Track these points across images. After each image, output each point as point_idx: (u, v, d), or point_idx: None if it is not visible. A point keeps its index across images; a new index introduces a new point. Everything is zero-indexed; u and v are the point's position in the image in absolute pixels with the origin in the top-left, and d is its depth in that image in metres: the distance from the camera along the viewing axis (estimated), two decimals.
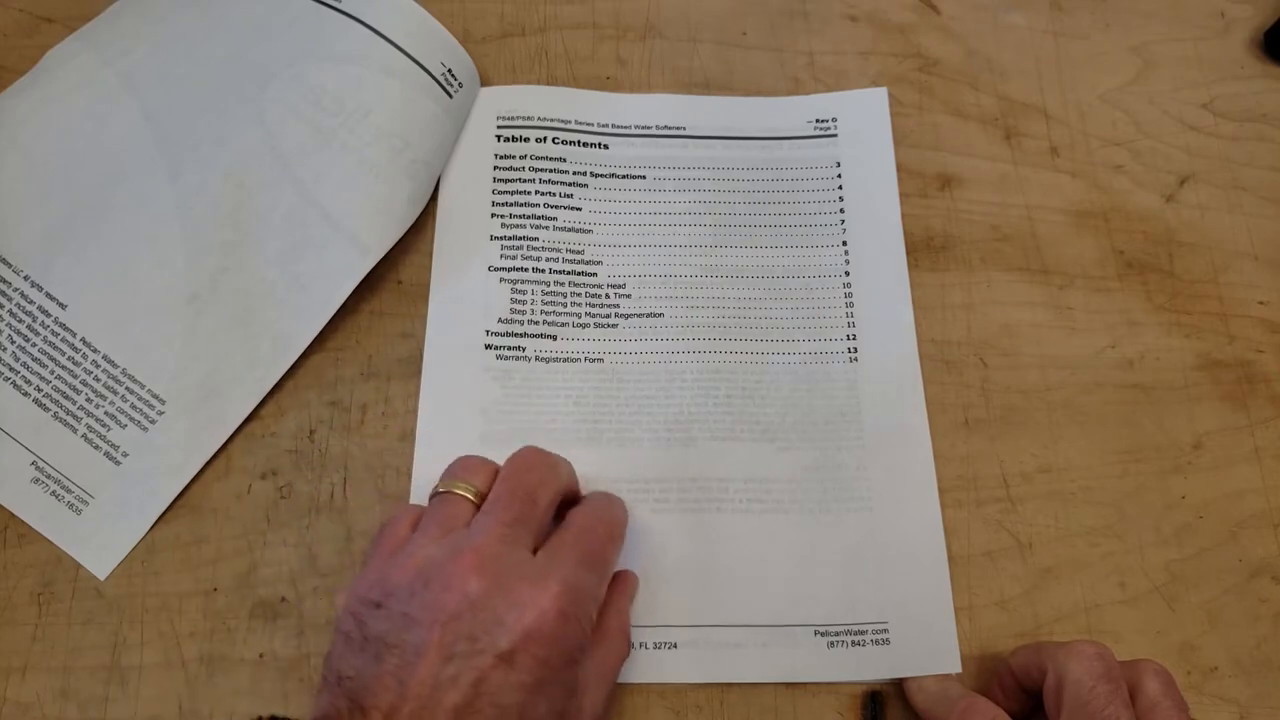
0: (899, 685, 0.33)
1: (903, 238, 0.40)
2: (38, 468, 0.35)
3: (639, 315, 0.38)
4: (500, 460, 0.32)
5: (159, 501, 0.35)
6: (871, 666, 0.33)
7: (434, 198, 0.39)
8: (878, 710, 0.33)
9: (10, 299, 0.35)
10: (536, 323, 0.38)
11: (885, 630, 0.34)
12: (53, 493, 0.34)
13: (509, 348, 0.37)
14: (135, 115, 0.37)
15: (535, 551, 0.29)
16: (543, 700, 0.27)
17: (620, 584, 0.33)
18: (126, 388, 0.35)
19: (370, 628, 0.27)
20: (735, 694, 0.33)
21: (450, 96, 0.39)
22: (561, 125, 0.41)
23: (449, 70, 0.39)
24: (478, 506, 0.31)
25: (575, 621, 0.28)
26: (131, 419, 0.35)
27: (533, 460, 0.32)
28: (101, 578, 0.34)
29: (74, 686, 0.33)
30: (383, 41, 0.38)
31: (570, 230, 0.39)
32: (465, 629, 0.26)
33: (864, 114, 0.42)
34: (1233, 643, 0.35)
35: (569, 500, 0.33)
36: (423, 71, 0.38)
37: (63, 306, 0.36)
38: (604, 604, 0.31)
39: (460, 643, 0.26)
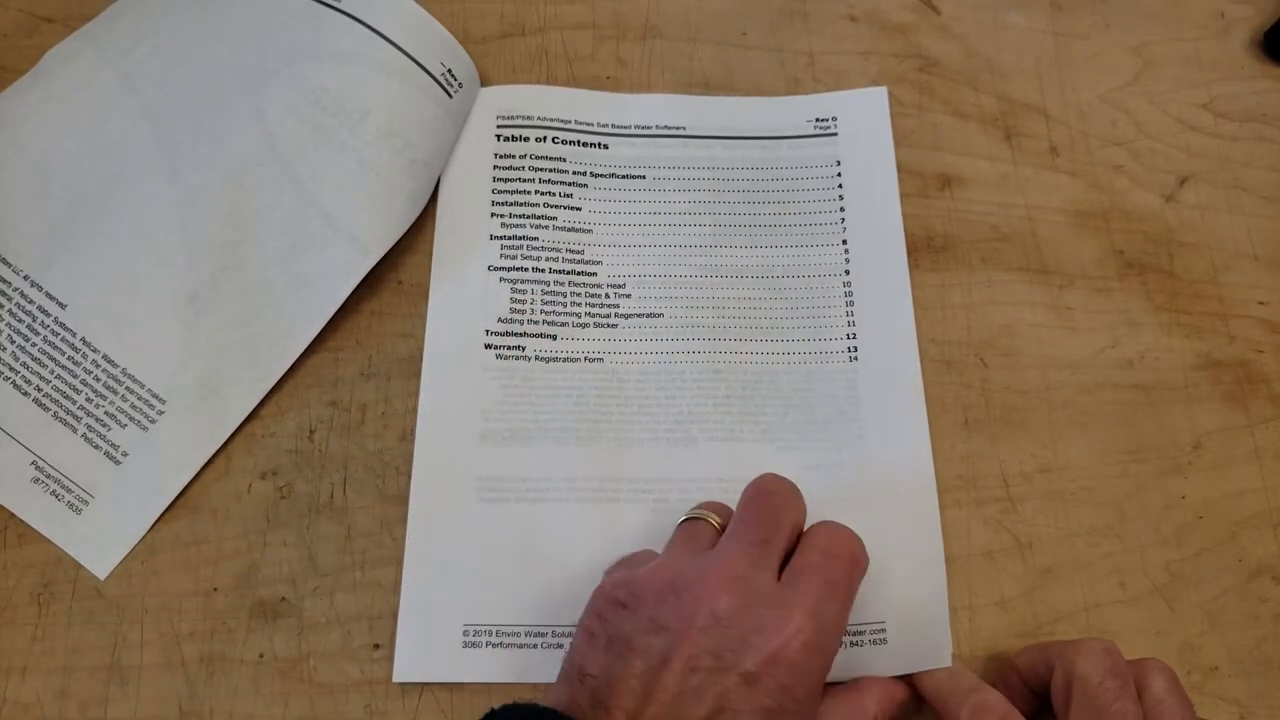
0: None
1: (903, 237, 0.40)
2: (38, 467, 0.35)
3: (639, 315, 0.38)
4: None
5: (159, 501, 0.35)
6: (869, 666, 0.33)
7: (434, 198, 0.39)
8: None
9: (10, 299, 0.35)
10: (536, 322, 0.38)
11: (883, 630, 0.34)
12: (53, 492, 0.34)
13: (509, 347, 0.37)
14: (135, 115, 0.37)
15: (779, 576, 0.29)
16: None
17: (884, 690, 0.32)
18: (126, 387, 0.35)
19: (614, 627, 0.28)
20: None
21: (450, 96, 0.39)
22: (561, 125, 0.41)
23: (449, 70, 0.39)
24: (719, 535, 0.31)
25: (819, 653, 0.27)
26: (131, 419, 0.35)
27: (775, 485, 0.31)
28: (101, 578, 0.34)
29: (74, 687, 0.33)
30: (383, 41, 0.38)
31: (570, 230, 0.39)
32: (711, 644, 0.26)
33: (864, 114, 0.42)
34: (1233, 643, 0.35)
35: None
36: (423, 71, 0.38)
37: (63, 306, 0.36)
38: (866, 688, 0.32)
39: (705, 657, 0.26)
